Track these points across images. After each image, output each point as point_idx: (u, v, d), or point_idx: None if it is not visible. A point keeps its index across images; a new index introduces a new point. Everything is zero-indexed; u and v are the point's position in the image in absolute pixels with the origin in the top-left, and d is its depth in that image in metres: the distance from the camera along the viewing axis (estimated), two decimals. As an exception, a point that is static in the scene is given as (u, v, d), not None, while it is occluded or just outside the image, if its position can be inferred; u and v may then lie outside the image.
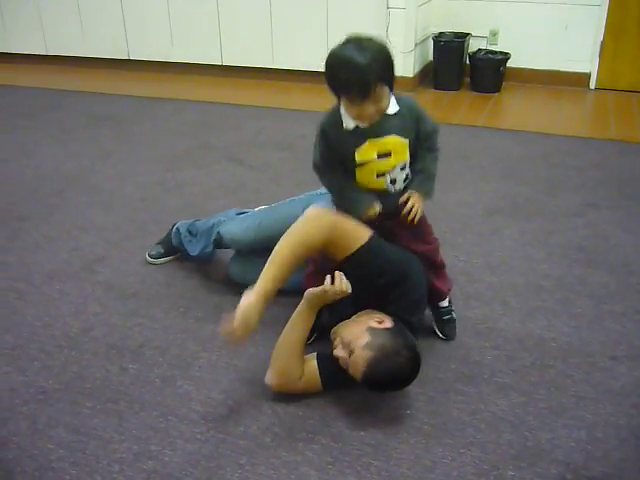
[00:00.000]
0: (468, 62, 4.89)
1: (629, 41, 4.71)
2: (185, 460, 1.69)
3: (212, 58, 5.27)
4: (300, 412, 1.84)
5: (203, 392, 1.92)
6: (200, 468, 1.66)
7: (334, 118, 1.83)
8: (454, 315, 2.16)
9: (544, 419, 1.81)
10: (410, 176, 1.92)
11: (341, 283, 1.80)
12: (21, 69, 5.68)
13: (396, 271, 1.86)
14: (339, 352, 1.78)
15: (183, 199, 3.20)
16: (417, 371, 1.78)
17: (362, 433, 1.77)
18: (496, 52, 4.86)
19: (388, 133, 1.82)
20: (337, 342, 1.80)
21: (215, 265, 2.57)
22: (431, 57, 4.99)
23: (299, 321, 1.86)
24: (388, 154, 1.83)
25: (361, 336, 1.74)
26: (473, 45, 4.95)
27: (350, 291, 1.81)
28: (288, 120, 4.34)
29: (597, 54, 4.78)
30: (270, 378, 1.87)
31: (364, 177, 1.87)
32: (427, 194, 1.92)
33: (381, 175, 1.86)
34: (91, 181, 3.44)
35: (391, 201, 1.89)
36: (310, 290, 1.83)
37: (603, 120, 4.31)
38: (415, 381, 1.83)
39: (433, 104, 4.62)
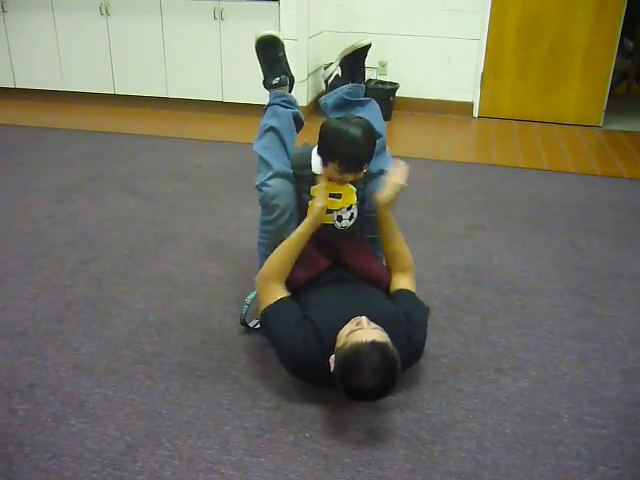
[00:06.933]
0: (359, 92, 5.07)
1: (506, 73, 5.05)
2: (79, 501, 1.64)
3: (104, 87, 5.19)
4: (199, 443, 1.83)
5: (98, 429, 1.87)
6: (96, 508, 1.62)
7: (303, 159, 2.19)
8: None
9: (437, 433, 1.89)
10: (356, 216, 2.19)
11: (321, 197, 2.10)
12: None
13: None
14: (358, 326, 1.84)
15: (75, 232, 3.11)
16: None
17: (262, 460, 1.77)
18: (386, 82, 5.07)
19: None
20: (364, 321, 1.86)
21: (108, 301, 2.52)
22: (323, 87, 5.11)
23: (301, 229, 2.09)
24: (338, 196, 2.13)
25: (379, 334, 1.81)
26: (363, 76, 5.14)
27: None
28: (184, 150, 4.33)
29: (478, 85, 5.09)
30: (260, 273, 2.10)
31: None
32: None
33: (329, 212, 2.14)
34: (-25, 216, 3.29)
35: (335, 233, 2.19)
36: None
37: (486, 146, 4.58)
38: (311, 403, 1.93)
39: (327, 132, 4.73)
